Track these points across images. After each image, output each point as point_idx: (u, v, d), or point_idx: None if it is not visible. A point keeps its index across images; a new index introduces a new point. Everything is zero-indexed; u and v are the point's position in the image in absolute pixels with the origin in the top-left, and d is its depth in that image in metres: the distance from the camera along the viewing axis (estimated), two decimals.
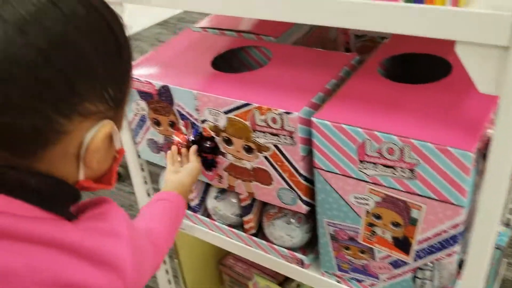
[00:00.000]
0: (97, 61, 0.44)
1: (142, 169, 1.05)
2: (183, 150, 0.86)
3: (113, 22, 0.47)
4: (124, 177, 2.21)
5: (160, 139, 0.93)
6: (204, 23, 1.07)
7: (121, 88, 0.48)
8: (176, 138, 0.86)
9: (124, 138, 1.00)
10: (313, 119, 0.69)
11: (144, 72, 0.88)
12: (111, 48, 0.46)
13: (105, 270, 0.46)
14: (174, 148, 0.87)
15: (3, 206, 0.42)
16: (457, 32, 0.53)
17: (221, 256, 1.35)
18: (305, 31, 1.03)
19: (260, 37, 0.97)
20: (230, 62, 0.97)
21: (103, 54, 0.45)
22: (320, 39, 1.06)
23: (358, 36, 1.04)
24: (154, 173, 1.09)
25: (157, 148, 0.95)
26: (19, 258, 0.41)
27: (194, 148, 0.85)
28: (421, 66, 0.83)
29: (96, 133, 0.46)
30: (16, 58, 0.40)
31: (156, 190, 1.05)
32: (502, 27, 0.50)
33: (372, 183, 0.68)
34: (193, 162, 0.85)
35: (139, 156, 1.02)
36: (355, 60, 0.82)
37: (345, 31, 1.04)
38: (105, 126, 0.47)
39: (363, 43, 1.01)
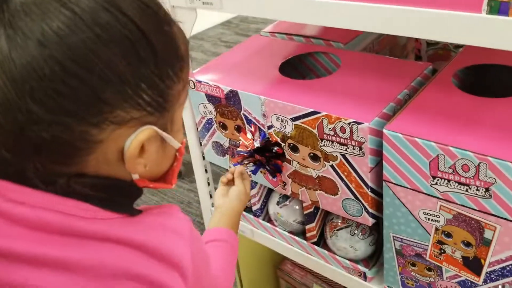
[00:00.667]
0: (124, 68, 0.42)
1: (206, 171, 1.07)
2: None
3: (145, 26, 0.44)
4: (184, 174, 2.26)
5: (225, 142, 0.94)
6: (272, 27, 1.08)
7: (161, 92, 0.46)
8: (243, 142, 0.86)
9: (190, 139, 1.02)
10: (385, 131, 0.67)
11: (212, 76, 0.90)
12: (142, 54, 0.44)
13: (168, 267, 0.47)
14: (228, 175, 0.88)
15: (73, 209, 0.44)
16: None
17: (279, 261, 1.35)
18: (375, 37, 1.01)
19: (329, 42, 0.96)
20: (298, 68, 0.97)
21: (131, 60, 0.43)
22: (390, 44, 1.04)
23: (430, 43, 1.00)
24: (215, 172, 1.10)
25: (222, 151, 0.96)
26: (92, 255, 0.43)
27: (238, 171, 0.85)
28: (497, 77, 0.79)
29: (132, 140, 0.45)
30: (35, 71, 0.39)
31: None
32: None
33: (444, 199, 0.66)
34: (238, 185, 0.84)
35: (203, 158, 1.04)
36: (428, 70, 0.79)
37: (416, 38, 1.01)
38: (142, 133, 0.46)
39: (435, 51, 0.97)
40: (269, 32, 1.05)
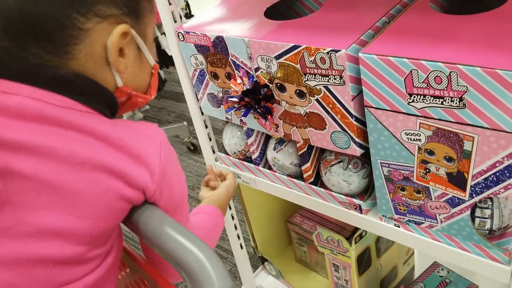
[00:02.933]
0: None
1: (206, 126, 1.10)
2: (217, 172, 1.03)
3: None
4: (199, 149, 2.31)
5: (219, 92, 0.97)
6: None
7: None
8: (234, 88, 0.89)
9: (187, 96, 1.05)
10: (360, 55, 0.69)
11: (200, 26, 0.92)
12: None
13: (136, 162, 0.53)
14: (207, 176, 1.02)
15: (47, 98, 0.50)
16: None
17: (289, 215, 1.39)
18: None
19: None
20: (285, 14, 0.99)
21: None
22: None
23: None
24: (215, 128, 1.14)
25: (217, 102, 0.99)
26: (62, 142, 0.50)
27: (230, 172, 1.01)
28: (479, 2, 0.79)
29: (114, 31, 0.54)
30: None
31: (219, 144, 1.11)
32: None
33: (422, 116, 0.67)
34: (230, 179, 0.98)
35: (202, 113, 1.07)
36: None
37: None
38: (121, 26, 0.54)
39: None
40: None
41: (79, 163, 0.50)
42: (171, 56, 2.10)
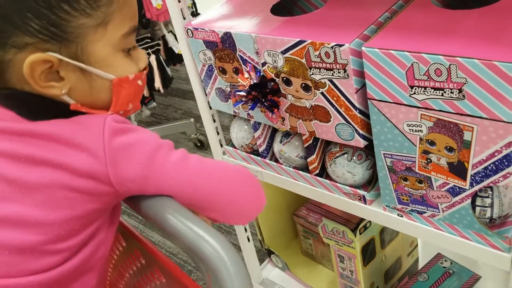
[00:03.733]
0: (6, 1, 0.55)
1: (214, 120, 1.13)
2: None
3: None
4: (206, 145, 2.34)
5: (227, 87, 1.00)
6: None
7: (54, 22, 0.56)
8: (241, 83, 0.92)
9: (195, 91, 1.08)
10: (363, 49, 0.71)
11: (208, 23, 0.95)
12: None
13: (78, 152, 0.58)
14: None
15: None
16: None
17: (295, 208, 1.41)
18: None
19: None
20: (291, 9, 1.02)
21: None
22: None
23: None
24: (222, 125, 1.16)
25: (225, 96, 1.02)
26: (7, 144, 0.59)
27: None
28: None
29: (25, 61, 0.57)
30: None
31: (226, 139, 1.13)
32: None
33: (423, 108, 0.70)
34: None
35: (210, 108, 1.10)
36: None
37: None
38: (32, 57, 0.56)
39: None
40: None
41: (24, 160, 0.58)
42: (178, 54, 2.13)
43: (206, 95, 1.08)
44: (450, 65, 0.64)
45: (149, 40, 2.06)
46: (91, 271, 0.66)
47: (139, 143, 0.62)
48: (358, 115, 0.80)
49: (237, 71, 0.94)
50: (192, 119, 2.32)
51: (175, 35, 2.16)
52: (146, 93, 2.10)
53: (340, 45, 0.74)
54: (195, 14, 2.52)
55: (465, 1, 0.84)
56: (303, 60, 0.81)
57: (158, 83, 2.03)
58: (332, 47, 0.75)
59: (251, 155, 1.07)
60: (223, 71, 0.97)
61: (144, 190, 0.64)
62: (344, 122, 0.82)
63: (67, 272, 0.62)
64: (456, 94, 0.65)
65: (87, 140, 0.59)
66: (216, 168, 0.69)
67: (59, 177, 0.58)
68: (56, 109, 0.61)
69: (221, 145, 1.17)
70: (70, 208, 0.60)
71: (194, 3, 2.54)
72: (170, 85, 2.20)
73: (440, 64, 0.64)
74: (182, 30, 0.99)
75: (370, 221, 1.12)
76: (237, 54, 0.91)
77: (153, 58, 2.03)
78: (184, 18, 1.00)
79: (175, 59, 2.25)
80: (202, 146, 2.35)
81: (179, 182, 0.64)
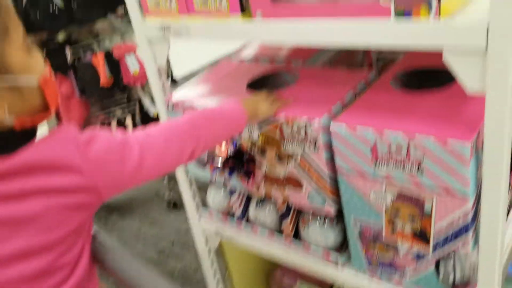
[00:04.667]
0: None
1: (191, 184, 1.17)
2: None
3: None
4: (179, 206, 2.35)
5: (204, 155, 1.05)
6: (241, 55, 1.20)
7: None
8: (219, 152, 0.97)
9: None
10: (332, 125, 0.79)
11: (188, 97, 1.02)
12: None
13: (61, 172, 0.62)
14: None
15: None
16: (441, 40, 0.62)
17: (270, 269, 1.44)
18: (331, 55, 1.13)
19: (288, 61, 1.08)
20: (265, 86, 1.09)
21: None
22: (346, 62, 1.16)
23: (378, 59, 1.13)
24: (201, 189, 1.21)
25: (203, 164, 1.07)
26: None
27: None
28: (433, 79, 0.90)
29: None
30: None
31: (204, 204, 1.17)
32: (479, 33, 0.59)
33: (387, 180, 0.77)
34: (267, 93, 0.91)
35: (187, 173, 1.15)
36: (371, 75, 0.92)
37: (368, 54, 1.14)
38: None
39: (384, 62, 1.10)
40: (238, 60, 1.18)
41: (15, 196, 0.61)
42: (153, 117, 2.19)
43: None
44: (409, 142, 0.71)
45: (125, 103, 2.12)
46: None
47: (109, 147, 0.67)
48: (329, 184, 0.86)
49: None
50: (165, 180, 2.34)
51: (151, 98, 2.23)
52: None
53: (311, 121, 0.81)
54: (171, 77, 2.60)
55: (422, 79, 0.94)
56: (277, 134, 0.87)
57: None
58: (303, 123, 0.82)
59: (227, 219, 1.11)
60: None
61: (122, 186, 0.69)
62: (315, 190, 0.88)
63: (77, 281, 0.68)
64: (415, 169, 0.72)
65: (67, 158, 0.63)
66: (159, 144, 0.74)
67: (52, 201, 0.62)
68: (10, 135, 0.62)
69: (197, 209, 1.21)
70: (67, 223, 0.65)
71: (169, 66, 2.63)
72: None
73: (400, 141, 0.72)
74: (163, 104, 1.05)
75: None
76: None
77: (129, 121, 2.07)
78: (165, 94, 1.06)
79: (150, 121, 2.30)
80: (175, 206, 2.36)
81: (144, 168, 0.70)
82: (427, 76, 0.89)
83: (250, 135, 0.92)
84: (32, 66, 0.64)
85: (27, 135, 0.64)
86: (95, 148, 0.65)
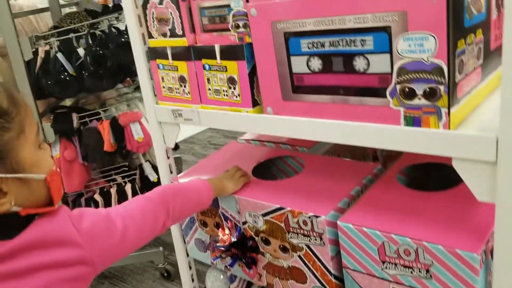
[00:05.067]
0: None
1: (190, 267, 1.15)
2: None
3: None
4: (173, 276, 2.30)
5: (206, 238, 1.04)
6: (247, 135, 1.22)
7: None
8: (221, 237, 0.96)
9: (175, 239, 1.12)
10: (339, 223, 0.78)
11: (194, 179, 1.02)
12: None
13: (60, 246, 0.65)
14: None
15: None
16: (450, 150, 0.63)
17: None
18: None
19: (295, 147, 1.10)
20: (269, 169, 1.10)
21: None
22: (350, 147, 1.18)
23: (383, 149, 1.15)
24: (201, 271, 1.18)
25: (204, 247, 1.06)
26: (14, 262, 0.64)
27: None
28: (440, 174, 0.91)
29: None
30: None
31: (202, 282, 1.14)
32: (489, 146, 0.60)
33: (394, 282, 0.75)
34: (232, 170, 0.99)
35: (187, 255, 1.13)
36: (377, 169, 0.92)
37: None
38: None
39: (389, 152, 1.11)
40: (245, 139, 1.19)
41: (19, 275, 0.63)
42: (153, 182, 2.19)
43: (185, 243, 1.11)
44: (417, 247, 0.70)
45: (126, 169, 2.12)
46: None
47: (97, 221, 0.72)
48: (333, 280, 0.84)
49: (218, 225, 0.99)
50: (161, 248, 2.30)
51: (151, 164, 2.23)
52: None
53: (317, 216, 0.81)
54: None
55: (427, 174, 0.95)
56: (282, 224, 0.87)
57: None
58: (309, 217, 0.82)
59: None
60: (204, 224, 1.02)
61: (112, 257, 0.73)
62: (319, 285, 0.86)
63: None
64: (424, 274, 0.71)
65: (66, 233, 0.67)
66: (137, 216, 0.79)
67: (54, 275, 0.64)
68: (16, 221, 0.65)
69: (193, 280, 1.17)
70: None
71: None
72: None
73: (409, 246, 0.71)
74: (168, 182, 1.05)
75: None
76: (219, 211, 0.97)
77: (128, 187, 2.07)
78: (171, 172, 1.06)
79: (150, 186, 2.29)
80: (169, 276, 2.31)
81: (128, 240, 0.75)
82: (434, 170, 0.90)
83: (255, 222, 0.91)
84: (42, 163, 0.68)
85: (30, 217, 0.67)
86: (85, 223, 0.70)
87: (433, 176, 0.92)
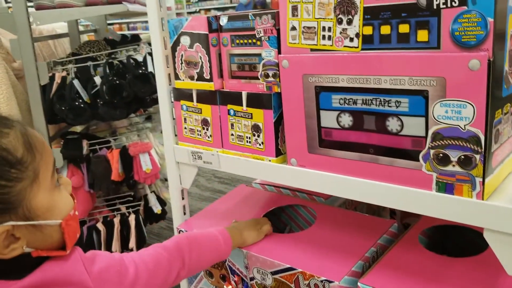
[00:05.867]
0: None
1: None
2: None
3: None
4: None
5: None
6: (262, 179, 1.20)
7: None
8: None
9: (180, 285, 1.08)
10: (359, 284, 0.75)
11: (202, 225, 0.99)
12: None
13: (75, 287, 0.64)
14: None
15: None
16: (483, 221, 0.61)
17: None
18: None
19: (311, 196, 1.07)
20: (280, 217, 1.08)
21: None
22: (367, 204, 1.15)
23: None
24: None
25: None
26: None
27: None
28: (461, 236, 0.89)
29: None
30: None
31: None
32: None
33: None
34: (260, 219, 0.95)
35: None
36: (393, 227, 0.90)
37: None
38: None
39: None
40: (260, 183, 1.17)
41: None
42: (156, 213, 2.16)
43: None
44: None
45: (131, 199, 2.09)
46: None
47: (110, 265, 0.70)
48: None
49: (224, 278, 0.96)
50: None
51: (156, 195, 2.21)
52: (119, 250, 2.06)
53: (330, 281, 0.77)
54: None
55: (447, 235, 0.92)
56: (292, 285, 0.83)
57: (132, 244, 2.01)
58: (322, 281, 0.78)
59: None
60: (210, 275, 0.99)
61: None
62: None
63: None
64: None
65: (78, 275, 0.65)
66: (150, 265, 0.77)
67: None
68: (27, 261, 0.64)
69: None
70: None
71: None
72: (144, 245, 2.18)
73: None
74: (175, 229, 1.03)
75: None
76: (226, 263, 0.94)
77: (132, 217, 2.03)
78: (184, 214, 1.04)
79: (153, 218, 2.26)
80: None
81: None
82: (456, 232, 0.87)
83: (263, 279, 0.88)
84: (57, 206, 0.66)
85: (41, 258, 0.65)
86: (98, 266, 0.69)
87: (455, 238, 0.89)
